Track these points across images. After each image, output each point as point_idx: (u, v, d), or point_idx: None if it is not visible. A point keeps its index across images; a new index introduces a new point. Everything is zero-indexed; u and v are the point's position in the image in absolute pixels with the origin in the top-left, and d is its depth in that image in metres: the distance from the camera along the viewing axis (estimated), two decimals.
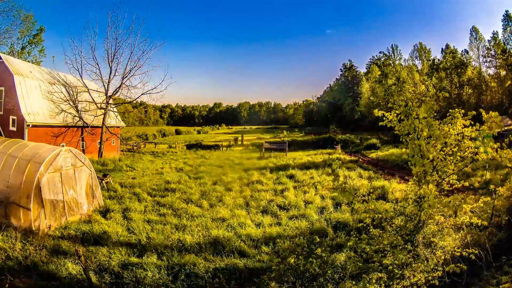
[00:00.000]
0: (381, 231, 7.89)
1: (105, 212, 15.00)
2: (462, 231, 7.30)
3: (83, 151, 30.31)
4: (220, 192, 19.31)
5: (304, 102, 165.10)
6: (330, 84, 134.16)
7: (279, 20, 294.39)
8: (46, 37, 55.47)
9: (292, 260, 7.71)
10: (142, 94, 35.78)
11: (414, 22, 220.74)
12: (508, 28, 67.93)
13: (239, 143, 56.26)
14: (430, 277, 6.47)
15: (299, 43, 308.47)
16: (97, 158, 31.95)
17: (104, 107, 33.83)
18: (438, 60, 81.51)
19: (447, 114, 6.71)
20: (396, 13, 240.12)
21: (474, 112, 6.36)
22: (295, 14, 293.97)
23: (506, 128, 30.87)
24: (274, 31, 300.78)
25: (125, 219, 14.22)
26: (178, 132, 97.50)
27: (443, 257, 6.80)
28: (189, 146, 49.84)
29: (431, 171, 6.57)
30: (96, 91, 34.62)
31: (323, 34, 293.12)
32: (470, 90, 71.77)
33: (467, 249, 6.87)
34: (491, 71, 72.79)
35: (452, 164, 6.53)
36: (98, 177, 19.06)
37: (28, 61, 49.93)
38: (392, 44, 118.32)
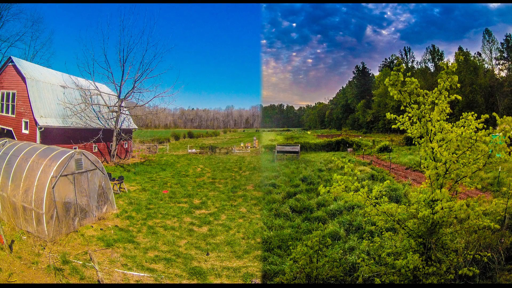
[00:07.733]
0: (393, 234, 7.93)
1: (118, 216, 15.18)
2: (474, 234, 7.29)
3: (96, 154, 30.65)
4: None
5: (317, 104, 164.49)
6: (342, 87, 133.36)
7: None
8: (57, 40, 56.34)
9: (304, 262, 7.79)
10: (154, 97, 36.29)
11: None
12: None
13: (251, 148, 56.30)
14: (442, 280, 6.49)
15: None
16: (110, 161, 32.38)
17: (117, 110, 34.29)
18: (451, 62, 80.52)
19: (460, 117, 6.74)
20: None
21: (487, 115, 6.36)
22: None
23: None
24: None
25: (138, 222, 14.42)
26: (190, 135, 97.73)
27: (455, 260, 6.81)
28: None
29: (444, 173, 6.59)
30: (108, 94, 35.05)
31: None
32: (483, 93, 70.79)
33: (479, 252, 6.86)
34: (503, 73, 72.00)
35: (465, 167, 6.52)
36: (113, 178, 19.35)
37: (40, 65, 50.85)
38: (405, 47, 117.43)
